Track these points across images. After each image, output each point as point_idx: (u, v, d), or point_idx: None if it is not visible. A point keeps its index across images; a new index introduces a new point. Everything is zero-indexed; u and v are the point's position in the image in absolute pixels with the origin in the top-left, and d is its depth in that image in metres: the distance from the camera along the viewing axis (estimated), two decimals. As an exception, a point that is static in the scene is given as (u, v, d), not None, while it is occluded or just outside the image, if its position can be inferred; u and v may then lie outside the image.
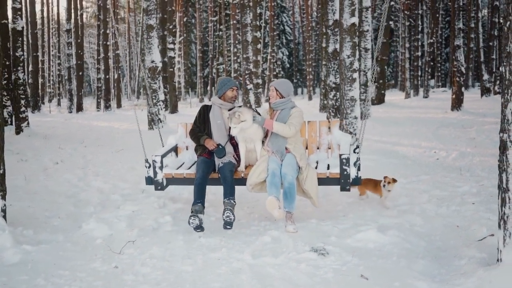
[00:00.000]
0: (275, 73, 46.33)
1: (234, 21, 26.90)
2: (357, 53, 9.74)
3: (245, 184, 5.31)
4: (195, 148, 5.75)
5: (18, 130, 13.24)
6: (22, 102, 13.48)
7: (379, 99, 23.39)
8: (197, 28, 42.83)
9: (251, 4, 20.82)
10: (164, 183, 5.65)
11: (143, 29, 13.78)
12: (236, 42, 31.23)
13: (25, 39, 37.90)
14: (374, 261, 4.07)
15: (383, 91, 23.70)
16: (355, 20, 9.63)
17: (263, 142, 5.47)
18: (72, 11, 28.67)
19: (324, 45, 19.23)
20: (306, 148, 5.85)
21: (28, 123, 13.58)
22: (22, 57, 13.83)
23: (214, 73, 45.12)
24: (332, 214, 5.51)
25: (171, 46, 24.02)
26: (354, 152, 5.30)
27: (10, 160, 9.17)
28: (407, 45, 31.59)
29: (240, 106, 5.59)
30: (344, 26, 9.64)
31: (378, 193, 5.85)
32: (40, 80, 34.05)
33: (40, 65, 35.43)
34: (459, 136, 11.68)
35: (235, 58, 32.46)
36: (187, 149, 6.23)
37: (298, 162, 5.22)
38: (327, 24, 13.37)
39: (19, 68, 13.50)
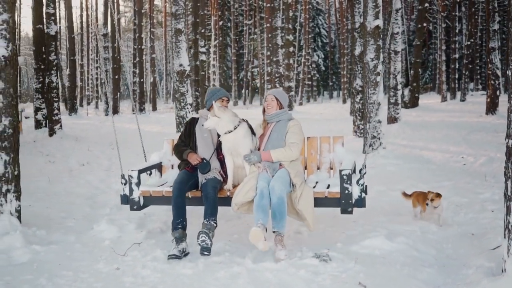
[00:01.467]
0: (309, 76, 46.16)
1: (268, 25, 26.95)
2: (381, 56, 9.57)
3: (230, 205, 4.60)
4: (179, 165, 5.16)
5: (51, 132, 13.64)
6: (55, 105, 13.89)
7: (413, 103, 22.86)
8: (232, 31, 43.09)
9: (283, 7, 20.80)
10: (141, 202, 4.97)
11: (172, 33, 13.99)
12: (269, 45, 31.27)
13: (64, 43, 39.07)
14: (377, 269, 3.97)
15: (417, 94, 23.15)
16: (379, 22, 9.47)
17: None
18: (109, 16, 29.35)
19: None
20: (305, 168, 5.15)
21: (61, 126, 13.97)
22: (56, 61, 14.24)
23: (249, 76, 45.30)
24: (341, 219, 5.39)
25: (203, 50, 24.23)
26: (360, 172, 4.57)
27: (39, 162, 9.47)
28: (443, 47, 30.87)
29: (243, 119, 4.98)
30: (367, 28, 9.51)
31: (423, 208, 5.39)
32: (79, 83, 34.96)
33: (79, 69, 36.40)
34: (490, 141, 11.32)
35: (268, 61, 32.50)
36: (172, 168, 5.53)
37: (292, 178, 4.52)
38: (353, 26, 13.23)
39: (52, 72, 13.90)
